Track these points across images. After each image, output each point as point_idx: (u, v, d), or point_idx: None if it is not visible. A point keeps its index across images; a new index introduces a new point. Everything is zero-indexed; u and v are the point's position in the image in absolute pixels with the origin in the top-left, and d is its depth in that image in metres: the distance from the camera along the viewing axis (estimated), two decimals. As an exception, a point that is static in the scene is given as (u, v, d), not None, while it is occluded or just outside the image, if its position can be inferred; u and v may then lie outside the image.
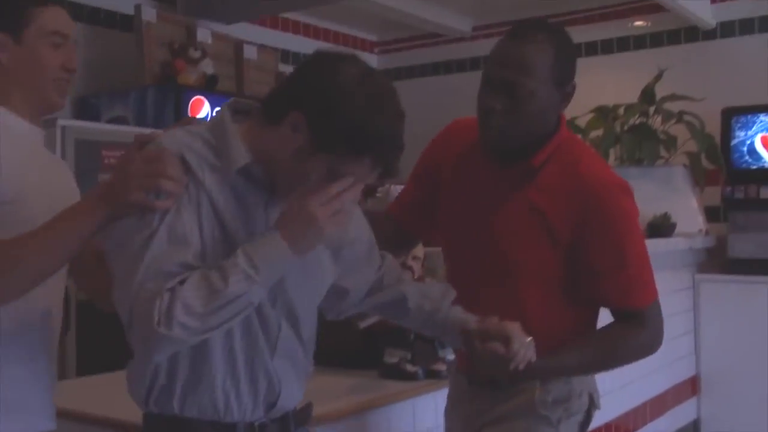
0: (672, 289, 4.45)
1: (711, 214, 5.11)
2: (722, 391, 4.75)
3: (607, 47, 5.79)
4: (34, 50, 1.77)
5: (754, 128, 4.88)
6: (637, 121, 4.85)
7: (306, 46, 6.09)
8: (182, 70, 4.67)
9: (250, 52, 5.22)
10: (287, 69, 5.59)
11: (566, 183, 1.88)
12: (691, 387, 4.86)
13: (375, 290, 1.86)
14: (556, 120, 1.94)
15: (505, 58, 1.85)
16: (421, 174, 2.19)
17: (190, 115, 4.42)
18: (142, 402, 1.56)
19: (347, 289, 1.81)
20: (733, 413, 4.69)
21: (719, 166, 4.84)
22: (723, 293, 4.75)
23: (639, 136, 4.78)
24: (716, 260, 4.98)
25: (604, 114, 4.88)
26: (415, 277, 3.28)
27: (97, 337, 3.08)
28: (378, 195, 4.21)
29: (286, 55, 5.88)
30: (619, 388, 3.80)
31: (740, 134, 4.92)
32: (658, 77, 4.89)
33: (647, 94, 4.87)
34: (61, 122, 3.77)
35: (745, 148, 4.90)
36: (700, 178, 4.86)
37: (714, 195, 5.01)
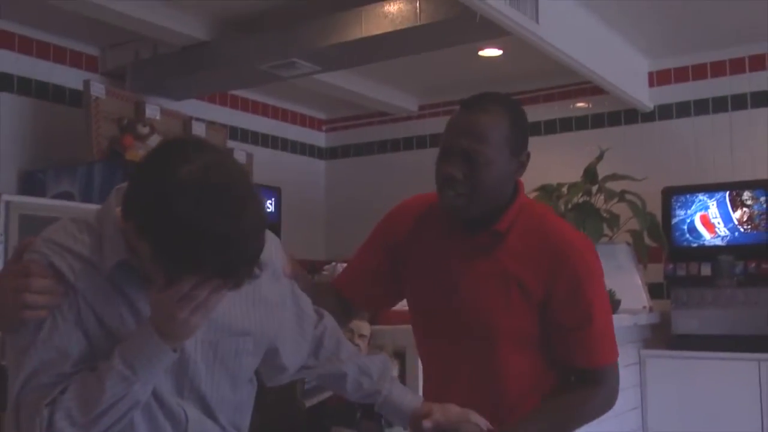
0: (619, 365, 4.47)
1: (654, 291, 5.19)
2: (669, 467, 4.76)
3: (550, 127, 5.94)
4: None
5: (693, 207, 5.00)
6: (581, 200, 4.93)
7: (254, 123, 6.15)
8: (130, 146, 4.65)
9: (198, 129, 5.25)
10: (236, 145, 5.62)
11: (534, 244, 1.94)
12: (639, 464, 4.86)
13: (312, 356, 1.86)
14: (514, 187, 2.01)
15: (462, 128, 1.92)
16: (374, 246, 2.21)
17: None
18: None
19: (284, 366, 1.80)
20: (680, 490, 4.68)
21: (661, 244, 4.93)
22: (668, 369, 4.79)
23: (583, 215, 4.86)
24: (661, 336, 5.04)
25: (548, 192, 4.96)
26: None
27: None
28: (324, 272, 4.20)
29: (234, 132, 5.92)
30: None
31: (680, 213, 5.03)
32: (600, 157, 5.01)
33: (589, 174, 4.97)
34: (5, 197, 3.72)
35: (685, 227, 5.01)
36: (643, 256, 4.94)
37: (657, 272, 5.10)
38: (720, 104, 5.42)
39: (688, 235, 5.00)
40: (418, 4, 4.16)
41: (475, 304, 1.95)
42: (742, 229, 4.85)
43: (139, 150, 4.68)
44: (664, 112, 5.61)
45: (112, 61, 5.16)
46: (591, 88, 5.60)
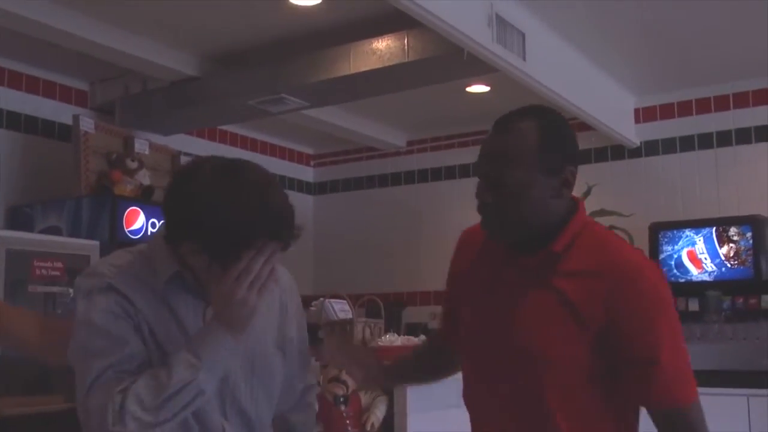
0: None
1: (642, 326, 5.19)
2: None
3: (538, 163, 5.96)
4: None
5: (680, 243, 5.02)
6: (568, 235, 4.94)
7: (243, 157, 6.11)
8: (119, 180, 4.65)
9: (187, 164, 5.24)
10: (224, 181, 5.61)
11: (593, 266, 1.75)
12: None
13: (291, 401, 1.94)
14: (569, 206, 1.85)
15: (485, 152, 1.80)
16: (446, 293, 2.12)
17: (125, 225, 4.39)
18: None
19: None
20: None
21: (648, 279, 4.94)
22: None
23: (571, 250, 4.86)
24: (649, 372, 5.03)
25: (536, 228, 4.97)
26: (350, 391, 3.25)
27: None
28: (312, 308, 4.19)
29: (223, 167, 5.92)
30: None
31: (668, 249, 5.05)
32: (587, 193, 5.03)
33: (577, 209, 4.99)
34: (-8, 232, 3.72)
35: (672, 262, 5.03)
36: (630, 291, 4.94)
37: (644, 307, 5.10)
38: (705, 141, 5.48)
39: (675, 271, 5.01)
40: (406, 41, 4.20)
41: (520, 328, 1.79)
42: (728, 265, 4.87)
43: (128, 185, 4.68)
44: (650, 148, 5.66)
45: (102, 95, 5.18)
46: (578, 124, 5.62)
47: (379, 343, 3.60)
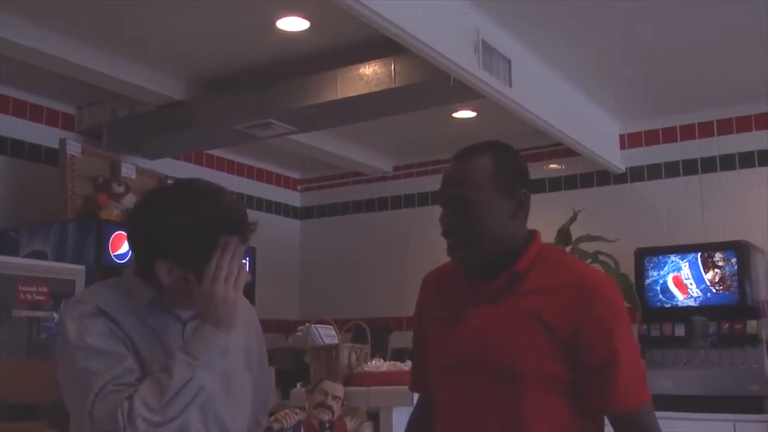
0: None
1: (628, 351, 5.20)
2: None
3: (524, 188, 5.99)
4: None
5: (665, 268, 5.04)
6: (555, 260, 4.94)
7: (229, 182, 6.15)
8: (105, 204, 4.64)
9: (174, 188, 5.23)
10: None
11: (556, 281, 1.92)
12: None
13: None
14: (527, 234, 2.03)
15: (449, 178, 1.99)
16: (416, 335, 2.22)
17: (111, 249, 4.37)
18: None
19: None
20: None
21: (635, 304, 4.95)
22: (643, 430, 4.76)
23: (557, 275, 4.86)
24: (635, 397, 5.02)
25: (522, 253, 4.97)
26: (335, 416, 3.24)
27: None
28: (298, 333, 4.18)
29: (210, 192, 5.91)
30: None
31: (653, 274, 5.07)
32: (573, 218, 5.05)
33: (563, 235, 5.01)
34: (-24, 256, 3.70)
35: (658, 288, 5.04)
36: (616, 316, 4.94)
37: (630, 333, 5.10)
38: (690, 167, 5.52)
39: (661, 296, 5.02)
40: (392, 67, 4.23)
41: (500, 344, 1.92)
42: (714, 290, 4.88)
43: (114, 209, 4.67)
44: (635, 174, 5.70)
45: (89, 119, 5.18)
46: (563, 150, 5.67)
47: (366, 368, 3.58)
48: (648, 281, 5.06)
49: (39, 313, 3.84)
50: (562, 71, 4.76)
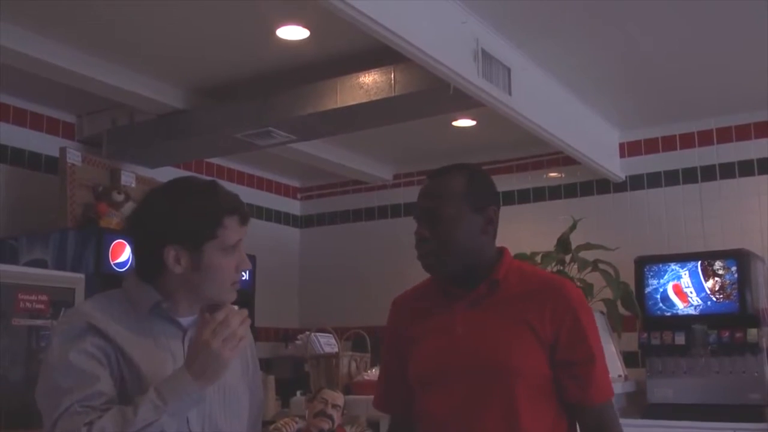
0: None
1: (629, 359, 5.20)
2: None
3: (523, 197, 6.00)
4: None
5: (665, 277, 5.03)
6: (554, 269, 4.96)
7: (230, 190, 6.14)
8: (105, 213, 4.65)
9: (174, 196, 5.23)
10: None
11: (532, 287, 2.07)
12: None
13: None
14: (498, 251, 2.15)
15: (423, 192, 2.11)
16: (388, 352, 2.28)
17: (111, 258, 4.37)
18: None
19: None
20: None
21: (635, 313, 4.95)
22: (644, 439, 4.76)
23: (556, 283, 4.86)
24: (636, 405, 5.02)
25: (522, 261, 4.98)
26: (335, 425, 3.24)
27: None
28: (298, 341, 4.18)
29: (210, 200, 5.91)
30: None
31: (653, 282, 5.06)
32: (573, 227, 5.05)
33: (563, 243, 5.01)
34: (-24, 265, 3.69)
35: (658, 296, 5.03)
36: (617, 325, 4.95)
37: (631, 341, 5.10)
38: (690, 175, 5.52)
39: (661, 304, 5.02)
40: (392, 76, 4.23)
41: (491, 346, 2.01)
42: (714, 299, 4.88)
43: (114, 218, 4.67)
44: (635, 182, 5.70)
45: (89, 128, 5.18)
46: (563, 158, 5.68)
47: (366, 376, 3.58)
48: (648, 290, 5.05)
49: (38, 322, 3.83)
50: (561, 79, 4.77)
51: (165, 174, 5.40)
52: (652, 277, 5.06)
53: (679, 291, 4.99)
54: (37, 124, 4.99)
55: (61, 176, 4.71)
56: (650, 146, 5.68)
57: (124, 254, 4.45)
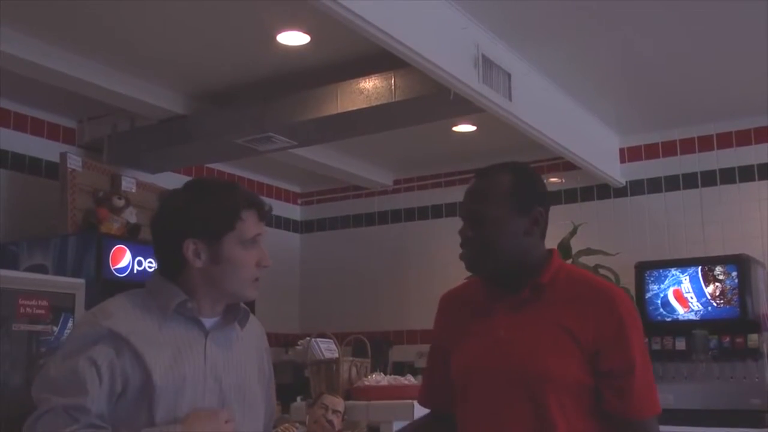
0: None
1: (629, 365, 5.19)
2: None
3: (524, 202, 5.99)
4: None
5: (666, 282, 5.03)
6: (555, 274, 4.94)
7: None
8: (105, 218, 4.65)
9: (174, 202, 5.23)
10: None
11: (578, 293, 2.02)
12: None
13: None
14: (546, 252, 2.12)
15: (469, 191, 2.10)
16: (433, 351, 2.27)
17: (111, 263, 4.37)
18: None
19: None
20: None
21: (635, 318, 4.95)
22: (644, 445, 4.75)
23: (557, 289, 4.86)
24: (636, 412, 5.01)
25: (522, 266, 4.97)
26: (335, 430, 3.23)
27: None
28: (298, 347, 4.17)
29: (210, 205, 5.91)
30: None
31: (654, 288, 5.06)
32: (573, 232, 5.05)
33: (563, 248, 5.01)
34: (-24, 271, 3.69)
35: (659, 301, 5.03)
36: (617, 330, 4.94)
37: (631, 346, 5.09)
38: (690, 180, 5.52)
39: (662, 310, 5.02)
40: (393, 81, 4.24)
41: (529, 351, 1.98)
42: (714, 304, 4.88)
43: (114, 223, 4.67)
44: (635, 187, 5.70)
45: (90, 133, 5.19)
46: (564, 164, 5.68)
47: (366, 382, 3.58)
48: (648, 295, 5.05)
49: (39, 327, 3.83)
50: (562, 85, 4.77)
51: (166, 179, 5.42)
52: (652, 282, 5.06)
53: (679, 296, 4.99)
54: (38, 130, 4.99)
55: (61, 182, 4.71)
56: (650, 151, 5.68)
57: (124, 260, 4.45)
